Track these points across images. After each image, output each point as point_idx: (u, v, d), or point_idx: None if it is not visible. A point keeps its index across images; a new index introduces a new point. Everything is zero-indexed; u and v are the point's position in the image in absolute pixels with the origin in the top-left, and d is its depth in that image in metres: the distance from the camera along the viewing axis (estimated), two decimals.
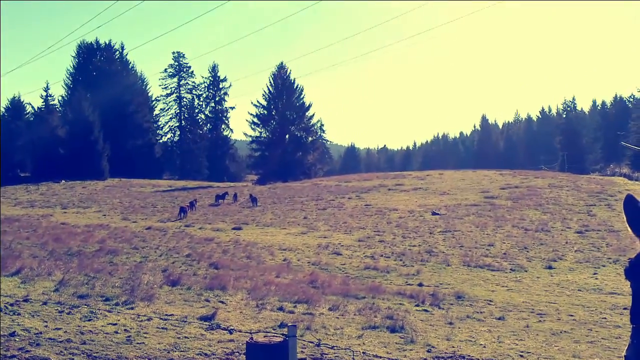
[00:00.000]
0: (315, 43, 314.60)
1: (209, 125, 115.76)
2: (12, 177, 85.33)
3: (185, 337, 8.20)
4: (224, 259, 24.05)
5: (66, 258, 20.52)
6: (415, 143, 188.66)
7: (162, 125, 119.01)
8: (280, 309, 12.05)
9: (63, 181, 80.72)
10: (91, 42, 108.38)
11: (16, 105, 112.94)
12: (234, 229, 38.49)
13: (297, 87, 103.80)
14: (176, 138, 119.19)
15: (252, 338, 3.93)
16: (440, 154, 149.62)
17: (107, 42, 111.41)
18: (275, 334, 3.96)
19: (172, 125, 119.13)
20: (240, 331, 8.51)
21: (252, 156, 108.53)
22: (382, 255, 28.37)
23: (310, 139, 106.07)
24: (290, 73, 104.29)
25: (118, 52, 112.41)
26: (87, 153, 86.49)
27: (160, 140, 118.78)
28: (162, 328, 8.66)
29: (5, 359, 6.22)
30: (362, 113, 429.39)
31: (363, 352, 8.19)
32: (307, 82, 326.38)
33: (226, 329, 8.28)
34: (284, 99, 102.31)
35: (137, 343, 7.55)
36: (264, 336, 4.00)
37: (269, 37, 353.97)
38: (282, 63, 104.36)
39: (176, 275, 16.48)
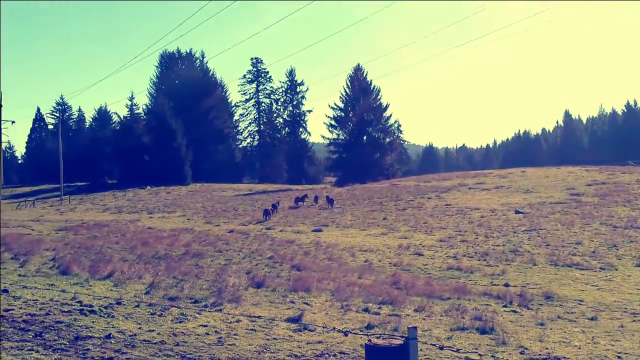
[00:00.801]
0: (391, 44, 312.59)
1: (287, 128, 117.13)
2: (100, 184, 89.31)
3: (274, 338, 8.24)
4: (306, 261, 24.17)
5: (154, 261, 21.13)
6: (495, 141, 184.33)
7: (241, 130, 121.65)
8: (366, 310, 11.95)
9: (148, 187, 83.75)
10: (173, 51, 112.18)
11: (103, 115, 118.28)
12: (314, 230, 38.67)
13: (374, 88, 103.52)
14: (255, 142, 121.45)
15: (370, 340, 3.84)
16: (521, 152, 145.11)
17: (188, 51, 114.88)
18: (394, 336, 3.86)
19: (251, 130, 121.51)
20: (328, 332, 8.50)
21: (330, 158, 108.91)
22: (465, 256, 27.78)
23: (388, 139, 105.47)
24: (366, 74, 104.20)
25: (198, 60, 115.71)
26: (170, 159, 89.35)
27: (240, 145, 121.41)
28: (251, 329, 8.74)
29: None
30: (440, 112, 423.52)
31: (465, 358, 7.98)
32: (384, 82, 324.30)
33: (314, 330, 8.29)
34: (361, 100, 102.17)
35: (229, 344, 7.63)
36: (382, 338, 3.90)
37: (345, 39, 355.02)
38: (358, 65, 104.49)
39: (260, 277, 16.66)
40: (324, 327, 8.76)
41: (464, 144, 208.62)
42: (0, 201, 52.71)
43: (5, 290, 10.71)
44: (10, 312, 8.79)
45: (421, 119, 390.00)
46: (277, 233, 37.21)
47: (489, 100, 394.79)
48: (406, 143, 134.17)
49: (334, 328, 8.43)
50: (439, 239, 33.72)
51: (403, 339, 3.76)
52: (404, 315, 11.57)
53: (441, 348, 3.44)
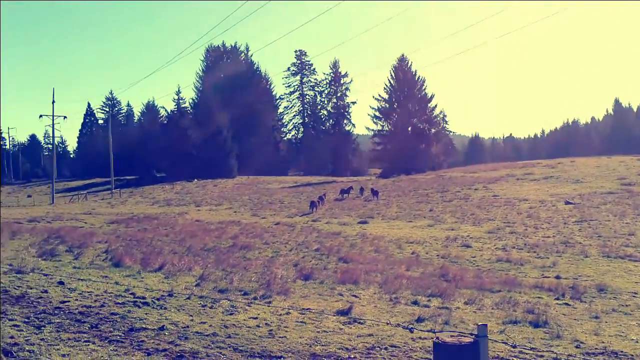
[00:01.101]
0: (436, 33, 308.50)
1: (331, 121, 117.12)
2: (149, 178, 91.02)
3: (324, 331, 8.22)
4: (353, 253, 24.11)
5: (203, 254, 21.40)
6: (543, 130, 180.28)
7: (286, 123, 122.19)
8: (415, 302, 11.84)
9: (196, 180, 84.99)
10: (218, 45, 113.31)
11: (151, 109, 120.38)
12: (359, 222, 38.62)
13: (418, 78, 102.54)
14: (300, 135, 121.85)
15: (438, 337, 3.76)
16: (570, 141, 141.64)
17: (233, 45, 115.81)
18: (463, 334, 3.78)
19: (295, 123, 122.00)
20: (378, 325, 8.44)
21: (375, 150, 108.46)
22: (514, 247, 27.32)
23: (433, 130, 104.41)
24: (411, 65, 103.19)
25: (243, 53, 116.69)
26: (217, 152, 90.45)
27: (285, 138, 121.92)
28: (301, 322, 8.74)
29: (157, 352, 6.49)
30: (486, 102, 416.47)
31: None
32: (428, 73, 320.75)
33: (363, 322, 8.25)
34: (405, 91, 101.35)
35: (279, 337, 7.65)
36: (451, 336, 3.81)
37: (388, 30, 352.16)
38: (402, 55, 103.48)
39: (308, 269, 16.70)
40: (373, 321, 8.69)
41: (510, 134, 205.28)
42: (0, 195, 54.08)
43: (61, 282, 10.98)
44: (67, 303, 9.02)
45: (467, 109, 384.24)
46: (323, 225, 37.28)
47: (536, 89, 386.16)
48: (452, 133, 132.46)
49: (392, 323, 8.36)
50: (487, 230, 33.27)
51: (473, 336, 3.65)
52: (454, 308, 11.42)
53: (514, 346, 3.31)
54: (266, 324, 8.51)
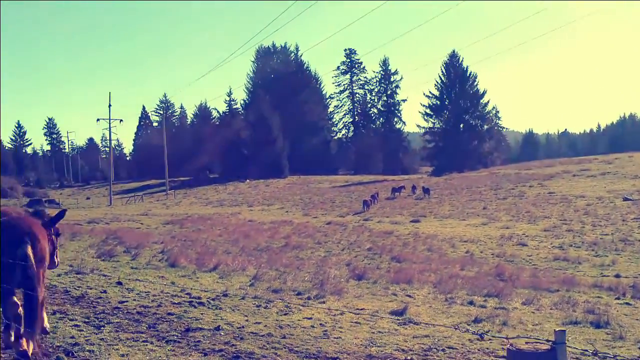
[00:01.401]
0: (487, 28, 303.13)
1: (381, 119, 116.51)
2: (202, 179, 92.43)
3: (380, 331, 8.14)
4: (405, 252, 23.96)
5: (256, 253, 21.58)
6: (599, 125, 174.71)
7: (336, 122, 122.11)
8: (471, 303, 11.63)
9: (248, 180, 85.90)
10: (268, 46, 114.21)
11: (203, 111, 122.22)
12: (412, 221, 38.38)
13: (470, 74, 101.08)
14: (350, 134, 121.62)
15: (512, 345, 3.64)
16: (627, 136, 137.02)
17: (283, 45, 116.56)
18: (539, 340, 3.65)
19: (346, 122, 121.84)
20: (434, 326, 8.31)
21: (426, 147, 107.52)
22: (571, 246, 26.72)
23: (485, 126, 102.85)
24: (462, 60, 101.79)
25: (293, 53, 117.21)
26: (268, 153, 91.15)
27: (335, 137, 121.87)
28: (356, 322, 8.69)
29: (213, 352, 6.54)
30: (539, 97, 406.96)
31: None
32: (480, 68, 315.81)
33: (419, 323, 8.13)
34: (457, 87, 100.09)
35: (334, 337, 7.60)
36: (526, 342, 3.68)
37: (439, 26, 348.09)
38: (454, 51, 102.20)
39: (361, 269, 16.63)
40: (429, 322, 8.56)
41: (565, 129, 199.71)
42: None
43: (120, 283, 11.21)
44: (125, 303, 9.18)
45: (520, 104, 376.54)
46: (375, 224, 37.17)
47: (592, 82, 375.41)
48: (505, 130, 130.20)
49: (454, 327, 8.22)
50: (543, 228, 32.65)
51: (550, 343, 3.50)
52: (512, 309, 11.17)
53: (595, 354, 3.12)
54: (321, 324, 8.47)
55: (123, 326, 7.59)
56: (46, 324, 6.62)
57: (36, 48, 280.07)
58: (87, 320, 7.84)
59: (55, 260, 7.02)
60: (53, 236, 6.87)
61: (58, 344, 6.44)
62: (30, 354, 5.56)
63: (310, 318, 8.87)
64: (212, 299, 9.96)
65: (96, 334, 7.06)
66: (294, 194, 68.34)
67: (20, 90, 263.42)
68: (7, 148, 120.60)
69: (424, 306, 10.96)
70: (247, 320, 8.39)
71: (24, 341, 5.60)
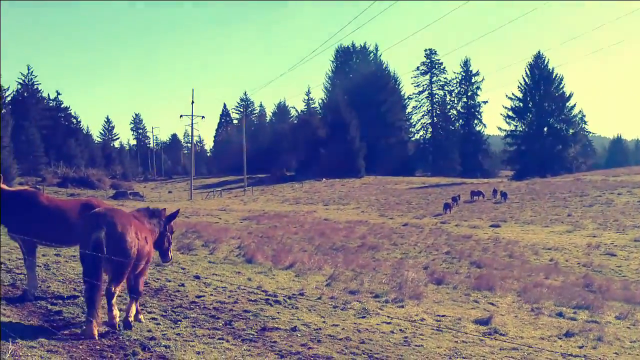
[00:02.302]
0: (575, 29, 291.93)
1: (461, 120, 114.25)
2: (279, 176, 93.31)
3: (463, 341, 7.69)
4: (485, 258, 23.16)
5: (331, 252, 21.35)
6: None
7: (414, 123, 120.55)
8: (560, 314, 10.95)
9: (324, 179, 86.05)
10: (348, 45, 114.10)
11: (282, 109, 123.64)
12: (491, 226, 37.29)
13: (556, 76, 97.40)
14: (428, 135, 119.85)
15: None
16: None
17: (362, 45, 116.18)
18: None
19: (424, 123, 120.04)
20: (522, 338, 7.78)
21: (507, 151, 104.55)
22: None
23: (571, 131, 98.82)
24: (548, 62, 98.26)
25: (372, 53, 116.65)
26: (345, 152, 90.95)
27: (413, 138, 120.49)
28: (437, 330, 8.27)
29: (290, 355, 6.30)
30: (630, 101, 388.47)
31: None
32: (566, 70, 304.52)
33: (505, 334, 7.62)
34: (541, 89, 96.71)
35: (415, 345, 7.21)
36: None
37: (523, 27, 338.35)
38: (539, 52, 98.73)
39: (440, 273, 16.11)
40: (516, 333, 8.02)
41: None
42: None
43: (197, 277, 11.21)
44: (202, 298, 9.12)
45: (608, 108, 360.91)
46: (453, 228, 36.30)
47: None
48: (591, 135, 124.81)
49: (521, 337, 7.67)
50: (632, 238, 30.99)
51: None
52: (604, 322, 10.44)
53: None
54: (400, 330, 8.11)
55: (199, 322, 7.49)
56: (131, 318, 6.97)
57: (125, 47, 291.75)
58: (164, 313, 7.80)
59: (169, 255, 8.03)
60: (168, 233, 7.84)
61: (135, 337, 6.38)
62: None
63: (389, 323, 8.51)
64: (288, 298, 9.78)
65: (173, 329, 6.98)
66: (369, 194, 67.88)
67: (111, 87, 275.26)
68: (96, 142, 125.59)
69: (509, 316, 10.38)
70: (324, 322, 8.12)
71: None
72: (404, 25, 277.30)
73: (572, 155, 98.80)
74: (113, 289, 6.48)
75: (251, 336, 6.91)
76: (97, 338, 6.14)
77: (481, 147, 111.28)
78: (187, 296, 9.19)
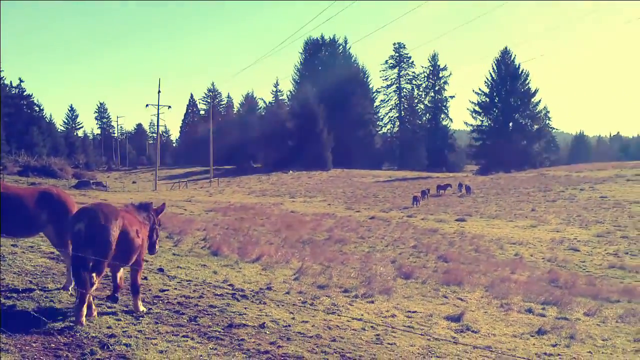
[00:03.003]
0: (539, 25, 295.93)
1: (428, 115, 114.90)
2: (246, 168, 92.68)
3: (436, 339, 7.51)
4: (452, 252, 23.19)
5: (299, 245, 21.09)
6: None
7: (382, 117, 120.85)
8: (529, 310, 10.87)
9: (291, 171, 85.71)
10: (317, 38, 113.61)
11: (249, 101, 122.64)
12: (457, 220, 37.46)
13: (522, 72, 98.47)
14: (395, 129, 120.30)
15: None
16: None
17: (332, 37, 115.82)
18: None
19: (391, 116, 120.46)
20: (494, 335, 7.64)
21: (473, 145, 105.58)
22: (627, 253, 25.55)
23: (535, 126, 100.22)
24: (514, 58, 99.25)
25: (342, 46, 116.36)
26: (313, 145, 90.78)
27: (380, 132, 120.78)
28: (409, 326, 8.08)
29: (259, 354, 6.02)
30: (591, 98, 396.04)
31: None
32: (531, 66, 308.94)
33: (477, 331, 7.46)
34: (507, 85, 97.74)
35: (388, 344, 6.99)
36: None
37: (489, 22, 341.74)
38: (506, 48, 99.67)
39: (408, 267, 15.97)
40: (489, 330, 7.87)
41: (618, 132, 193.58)
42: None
43: (161, 269, 10.85)
44: (166, 292, 8.78)
45: (570, 105, 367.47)
46: (419, 221, 36.35)
47: None
48: (554, 131, 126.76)
49: (493, 334, 7.53)
50: (595, 233, 31.44)
51: None
52: (574, 319, 10.39)
53: None
54: (372, 327, 7.88)
55: (163, 318, 7.16)
56: (141, 308, 7.45)
57: (90, 34, 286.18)
58: (125, 309, 7.44)
59: (156, 247, 8.36)
60: (156, 226, 8.38)
61: (93, 335, 6.03)
62: None
63: (360, 319, 8.29)
64: (255, 292, 9.50)
65: (134, 325, 6.64)
66: (336, 187, 67.78)
67: (74, 75, 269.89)
68: (59, 130, 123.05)
69: (479, 312, 10.26)
70: (293, 319, 7.84)
71: None
72: (373, 19, 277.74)
73: (537, 150, 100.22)
74: (94, 278, 6.63)
75: (217, 333, 6.60)
76: (84, 325, 6.33)
77: (447, 141, 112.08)
78: (150, 290, 8.83)
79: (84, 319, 6.41)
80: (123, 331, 6.25)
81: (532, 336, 8.44)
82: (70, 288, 8.14)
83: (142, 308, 7.43)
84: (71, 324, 6.31)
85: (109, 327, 6.35)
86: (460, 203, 48.32)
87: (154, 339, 6.11)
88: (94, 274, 6.61)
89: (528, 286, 14.70)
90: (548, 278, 17.64)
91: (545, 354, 7.10)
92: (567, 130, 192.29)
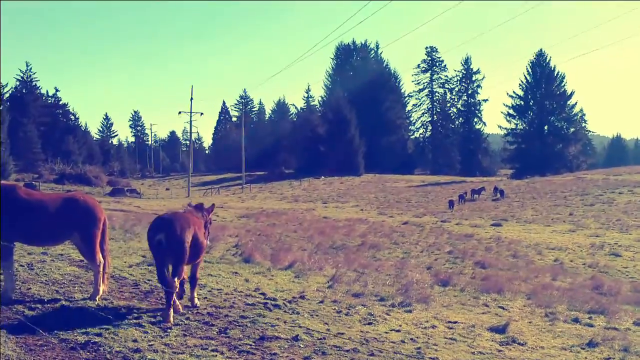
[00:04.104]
0: (577, 26, 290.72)
1: (461, 119, 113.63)
2: (278, 174, 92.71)
3: (481, 352, 7.03)
4: (489, 258, 22.56)
5: (331, 251, 20.74)
6: None
7: (414, 121, 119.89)
8: (576, 320, 10.29)
9: (323, 177, 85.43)
10: (348, 43, 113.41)
11: (281, 107, 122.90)
12: (493, 225, 36.74)
13: (557, 74, 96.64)
14: (428, 133, 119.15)
15: None
16: None
17: (363, 42, 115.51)
18: None
19: (424, 121, 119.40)
20: (542, 348, 7.15)
21: (507, 149, 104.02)
22: None
23: (572, 129, 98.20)
24: (549, 60, 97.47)
25: (373, 50, 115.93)
26: (344, 150, 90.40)
27: (413, 136, 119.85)
28: (451, 339, 7.62)
29: None
30: (629, 100, 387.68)
31: None
32: (567, 68, 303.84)
33: (524, 344, 6.98)
34: (542, 87, 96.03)
35: (430, 358, 6.54)
36: None
37: (524, 24, 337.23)
38: (541, 50, 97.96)
39: (445, 274, 15.46)
40: (536, 343, 7.37)
41: None
42: None
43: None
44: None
45: (608, 107, 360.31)
46: (454, 226, 35.72)
47: None
48: (590, 134, 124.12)
49: (541, 347, 7.02)
50: (636, 238, 30.52)
51: None
52: (624, 329, 9.78)
53: None
54: (412, 339, 7.43)
55: (191, 329, 6.84)
56: (196, 300, 8.32)
57: (123, 42, 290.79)
58: (153, 320, 7.13)
59: (206, 242, 8.86)
60: (209, 224, 9.00)
61: (118, 349, 5.71)
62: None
63: (399, 330, 7.85)
64: (288, 302, 9.13)
65: (161, 338, 6.31)
66: (369, 192, 67.27)
67: (109, 84, 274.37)
68: (94, 139, 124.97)
69: (523, 321, 9.72)
70: (328, 330, 7.43)
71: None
72: (405, 23, 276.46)
73: (573, 154, 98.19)
74: (175, 281, 7.41)
75: (248, 347, 6.23)
76: (171, 323, 7.04)
77: (481, 145, 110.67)
78: (180, 300, 8.54)
79: (171, 319, 7.10)
80: (149, 345, 5.93)
81: (583, 349, 7.90)
82: (97, 298, 7.91)
83: (197, 302, 8.24)
84: (95, 337, 6.02)
85: (134, 341, 6.04)
86: (495, 208, 47.49)
87: (181, 353, 5.78)
88: (175, 279, 7.39)
89: (571, 294, 14.07)
90: (591, 285, 16.94)
91: None
92: (603, 133, 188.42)
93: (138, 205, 45.27)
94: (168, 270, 7.42)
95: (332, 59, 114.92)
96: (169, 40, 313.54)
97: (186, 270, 8.20)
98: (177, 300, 7.71)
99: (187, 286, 8.44)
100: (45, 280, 8.75)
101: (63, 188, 62.07)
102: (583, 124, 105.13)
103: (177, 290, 7.55)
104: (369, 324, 8.19)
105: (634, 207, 42.97)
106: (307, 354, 6.13)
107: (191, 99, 74.82)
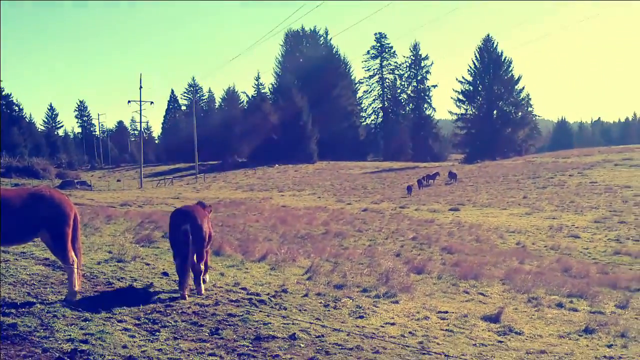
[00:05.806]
0: (521, 14, 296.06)
1: (411, 105, 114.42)
2: (231, 163, 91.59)
3: (482, 344, 6.84)
4: (454, 243, 22.69)
5: (298, 241, 20.46)
6: (635, 114, 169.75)
7: (365, 107, 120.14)
8: (560, 305, 10.25)
9: (276, 165, 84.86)
10: (297, 29, 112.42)
11: (231, 95, 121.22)
12: (451, 210, 37.10)
13: (504, 59, 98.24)
14: (379, 120, 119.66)
15: None
16: None
17: (312, 29, 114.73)
18: None
19: (375, 107, 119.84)
20: (540, 337, 7.01)
21: (457, 134, 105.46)
22: (628, 239, 25.20)
23: (519, 114, 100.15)
24: (497, 46, 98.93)
25: (323, 37, 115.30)
26: (297, 138, 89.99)
27: (364, 123, 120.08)
28: (448, 330, 7.42)
29: None
30: (572, 85, 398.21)
31: None
32: (514, 55, 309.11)
33: (521, 333, 6.82)
34: (490, 73, 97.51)
35: (435, 353, 6.27)
36: None
37: (471, 11, 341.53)
38: (488, 35, 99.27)
39: (418, 262, 15.37)
40: (533, 332, 7.21)
41: (599, 118, 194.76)
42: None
43: (165, 274, 10.10)
44: (177, 300, 8.04)
45: (552, 92, 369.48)
46: (413, 212, 35.89)
47: (627, 69, 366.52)
48: (537, 118, 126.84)
49: (539, 336, 6.87)
50: (592, 219, 31.16)
51: None
52: (609, 313, 9.78)
53: None
54: (410, 332, 7.19)
55: (181, 331, 6.41)
56: (207, 277, 9.28)
57: (68, 31, 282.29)
58: (137, 321, 6.67)
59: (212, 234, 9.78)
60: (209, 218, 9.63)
61: (109, 357, 5.26)
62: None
63: (394, 324, 7.59)
64: (272, 296, 8.78)
65: (151, 342, 5.87)
66: (324, 179, 67.10)
67: (53, 74, 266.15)
68: (39, 130, 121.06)
69: (509, 308, 9.61)
70: (323, 327, 7.10)
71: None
72: (354, 10, 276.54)
73: (521, 138, 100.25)
74: (201, 266, 8.73)
75: (246, 349, 5.84)
76: (187, 299, 8.09)
77: (431, 131, 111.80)
78: (159, 298, 8.08)
79: (186, 292, 8.27)
80: (141, 351, 5.48)
81: (581, 336, 7.81)
82: (73, 301, 7.39)
83: (208, 277, 9.34)
84: (81, 344, 5.54)
85: (124, 347, 5.57)
86: (450, 192, 47.96)
87: (177, 359, 5.37)
88: (201, 263, 8.66)
89: (543, 277, 14.14)
90: (559, 267, 17.15)
91: (605, 357, 6.47)
92: (548, 117, 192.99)
93: (91, 197, 43.91)
94: (193, 256, 8.47)
95: (282, 45, 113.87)
96: (116, 27, 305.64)
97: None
98: (201, 283, 8.72)
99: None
100: (14, 282, 8.14)
101: (10, 182, 59.84)
102: (530, 109, 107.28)
103: (203, 273, 8.76)
104: (360, 317, 7.92)
105: (585, 189, 43.97)
106: (311, 355, 5.78)
107: (140, 87, 73.13)
